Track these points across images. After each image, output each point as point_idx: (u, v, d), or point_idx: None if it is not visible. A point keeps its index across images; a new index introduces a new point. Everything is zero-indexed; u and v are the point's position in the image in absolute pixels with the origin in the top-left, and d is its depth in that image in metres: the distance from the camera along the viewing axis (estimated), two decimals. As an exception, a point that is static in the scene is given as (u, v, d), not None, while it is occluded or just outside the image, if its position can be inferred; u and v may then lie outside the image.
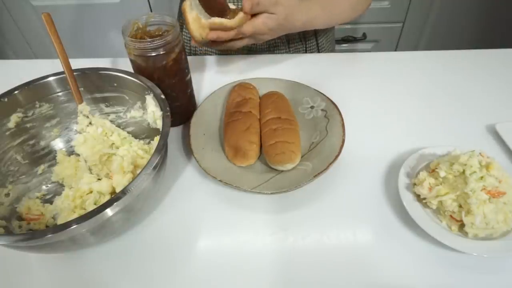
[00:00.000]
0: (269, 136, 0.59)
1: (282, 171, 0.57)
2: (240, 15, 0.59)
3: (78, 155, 0.60)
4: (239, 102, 0.65)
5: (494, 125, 0.64)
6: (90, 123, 0.61)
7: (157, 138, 0.53)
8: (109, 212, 0.42)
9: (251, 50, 0.87)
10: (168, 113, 0.52)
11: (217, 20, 0.58)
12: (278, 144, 0.58)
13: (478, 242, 0.48)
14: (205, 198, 0.57)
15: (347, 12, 0.74)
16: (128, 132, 0.63)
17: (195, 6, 0.59)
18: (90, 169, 0.60)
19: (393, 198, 0.55)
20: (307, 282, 0.48)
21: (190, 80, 0.65)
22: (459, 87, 0.74)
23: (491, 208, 0.47)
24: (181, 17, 0.94)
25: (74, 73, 0.57)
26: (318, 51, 0.90)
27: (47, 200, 0.57)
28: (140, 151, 0.57)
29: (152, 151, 0.50)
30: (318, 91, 0.68)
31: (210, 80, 0.78)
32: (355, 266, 0.49)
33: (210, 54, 0.90)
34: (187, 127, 0.64)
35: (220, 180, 0.55)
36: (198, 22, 0.57)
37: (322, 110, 0.66)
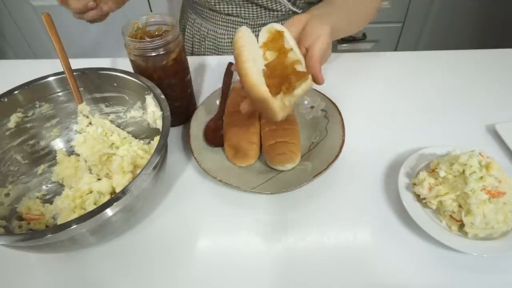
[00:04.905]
0: (269, 136, 0.59)
1: (282, 171, 0.57)
2: (309, 81, 0.50)
3: (78, 155, 0.61)
4: (239, 102, 0.65)
5: (494, 125, 0.64)
6: (90, 123, 0.61)
7: (157, 138, 0.53)
8: (109, 212, 0.42)
9: None
10: (168, 113, 0.52)
11: (300, 91, 0.49)
12: (278, 144, 0.57)
13: (478, 242, 0.48)
14: (205, 198, 0.57)
15: (360, 22, 0.70)
16: (128, 132, 0.63)
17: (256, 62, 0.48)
18: (90, 169, 0.60)
19: (393, 198, 0.55)
20: (307, 282, 0.48)
21: (190, 80, 0.65)
22: (458, 87, 0.74)
23: (491, 208, 0.47)
24: (182, 19, 0.93)
25: (74, 73, 0.57)
26: None
27: (47, 200, 0.57)
28: (140, 151, 0.57)
29: (152, 151, 0.50)
30: (318, 91, 0.68)
31: (210, 80, 0.78)
32: (355, 266, 0.49)
33: (210, 54, 0.90)
34: (187, 127, 0.64)
35: (220, 180, 0.55)
36: (284, 107, 0.48)
37: (322, 110, 0.65)
